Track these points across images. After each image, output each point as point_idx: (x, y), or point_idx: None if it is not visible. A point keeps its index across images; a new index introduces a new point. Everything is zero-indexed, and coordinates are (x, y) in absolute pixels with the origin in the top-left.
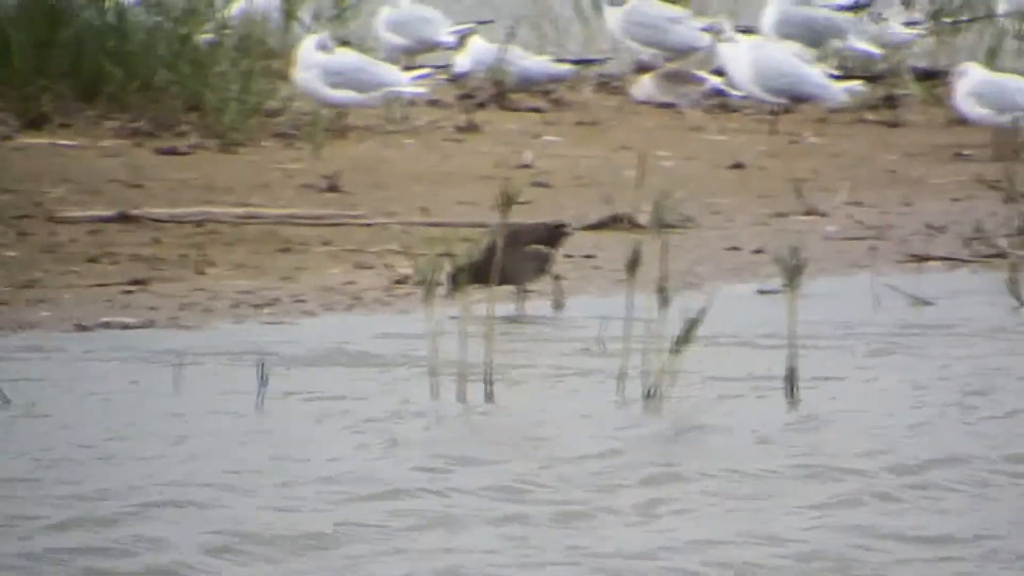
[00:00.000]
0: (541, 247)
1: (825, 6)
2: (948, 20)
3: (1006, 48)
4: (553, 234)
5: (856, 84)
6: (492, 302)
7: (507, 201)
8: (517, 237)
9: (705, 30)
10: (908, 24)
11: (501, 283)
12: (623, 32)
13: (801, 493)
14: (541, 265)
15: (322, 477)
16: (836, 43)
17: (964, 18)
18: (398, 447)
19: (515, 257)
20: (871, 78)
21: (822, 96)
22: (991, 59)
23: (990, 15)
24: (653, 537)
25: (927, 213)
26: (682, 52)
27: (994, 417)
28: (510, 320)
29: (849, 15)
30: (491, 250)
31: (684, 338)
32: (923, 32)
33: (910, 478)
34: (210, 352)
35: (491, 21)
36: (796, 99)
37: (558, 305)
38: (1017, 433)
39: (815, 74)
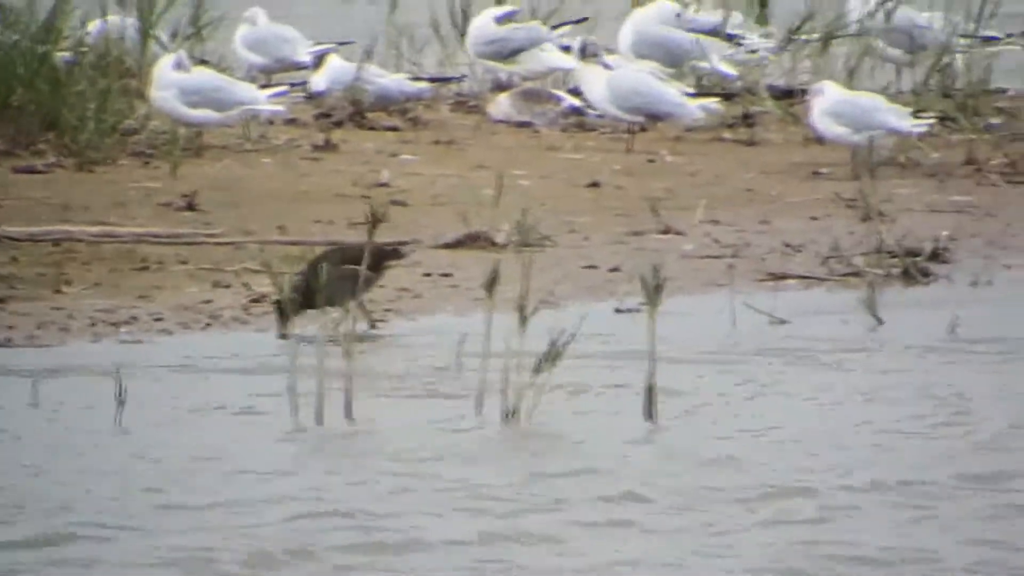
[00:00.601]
0: (358, 268)
1: (691, 29)
2: (804, 38)
3: (863, 67)
4: (383, 255)
5: (712, 102)
6: (338, 322)
7: (374, 220)
8: (339, 257)
9: (565, 48)
10: (763, 39)
11: (324, 304)
12: (476, 52)
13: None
14: (353, 288)
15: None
16: (692, 63)
17: (818, 36)
18: (252, 465)
19: (336, 277)
20: (727, 96)
21: (678, 114)
22: (848, 78)
23: (846, 34)
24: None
25: (784, 232)
26: (540, 72)
27: (841, 434)
28: (365, 339)
29: (704, 36)
30: (312, 271)
31: (547, 357)
32: (778, 50)
33: (755, 492)
34: (67, 370)
35: (351, 42)
36: (652, 117)
37: (373, 326)
38: (864, 455)
39: (671, 92)
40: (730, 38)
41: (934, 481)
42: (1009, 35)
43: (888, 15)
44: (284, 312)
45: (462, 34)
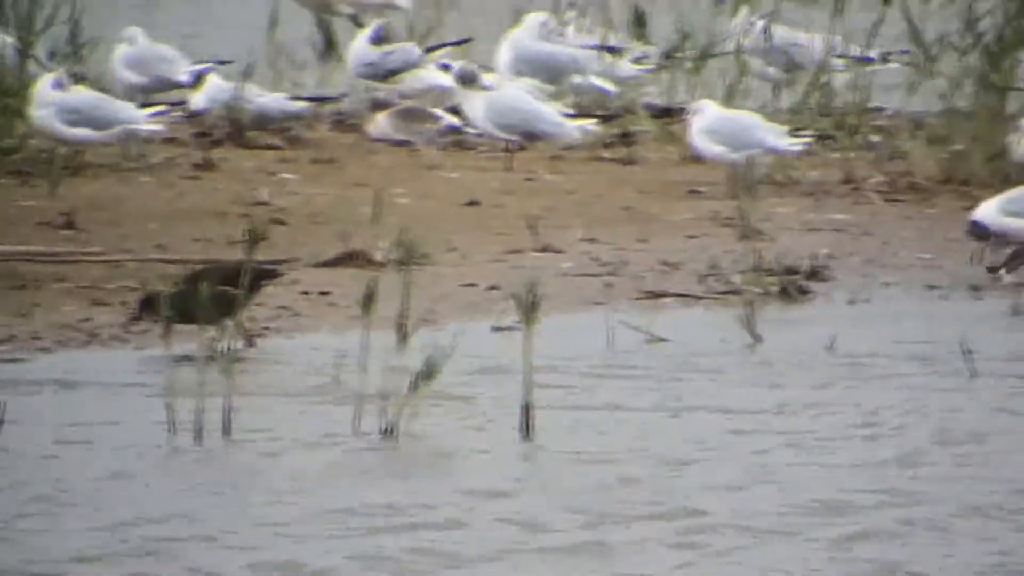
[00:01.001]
0: (228, 288)
1: (578, 45)
2: (682, 56)
3: (741, 85)
4: (258, 274)
5: (590, 122)
6: (215, 341)
7: (254, 238)
8: (209, 276)
9: (445, 67)
10: (640, 60)
11: (190, 322)
12: (354, 73)
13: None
14: (227, 307)
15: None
16: (572, 80)
17: (696, 55)
18: (120, 486)
19: (209, 296)
20: (606, 116)
21: (556, 134)
22: (727, 97)
23: (724, 53)
24: None
25: (662, 250)
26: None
27: (711, 453)
28: (244, 358)
29: (582, 51)
30: (186, 289)
31: (423, 375)
32: (657, 68)
33: (633, 512)
34: None
35: (231, 61)
36: (530, 137)
37: (250, 344)
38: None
39: (549, 112)
40: (611, 50)
41: (792, 505)
42: (885, 56)
43: (766, 34)
44: (153, 313)
45: (321, 57)
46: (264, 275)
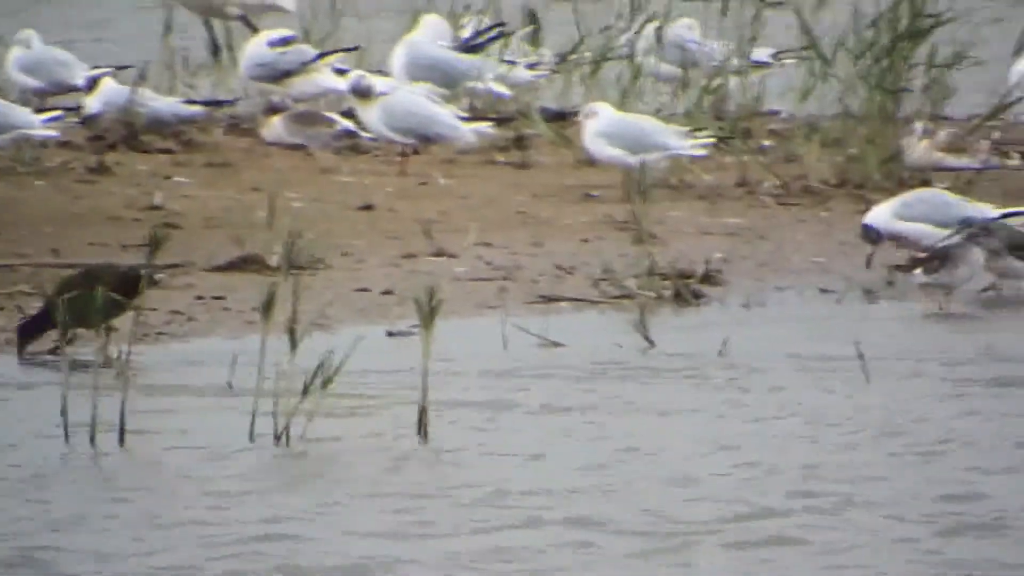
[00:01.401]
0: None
1: (456, 46)
2: (576, 59)
3: (637, 89)
4: (130, 279)
5: (485, 125)
6: (104, 346)
7: (155, 244)
8: (88, 281)
9: (339, 72)
10: (535, 65)
11: (73, 327)
12: (248, 75)
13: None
14: (110, 310)
15: None
16: (466, 85)
17: (590, 58)
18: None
19: (84, 300)
20: (501, 120)
21: (451, 137)
22: (622, 100)
23: (618, 56)
24: None
25: (556, 254)
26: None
27: (603, 456)
28: (137, 364)
29: (478, 57)
30: (60, 292)
31: (318, 380)
32: (551, 72)
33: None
34: None
35: (130, 66)
36: (425, 140)
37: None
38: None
39: (444, 115)
40: (503, 58)
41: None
42: (776, 55)
43: (659, 35)
44: (26, 335)
45: (212, 60)
46: (133, 281)
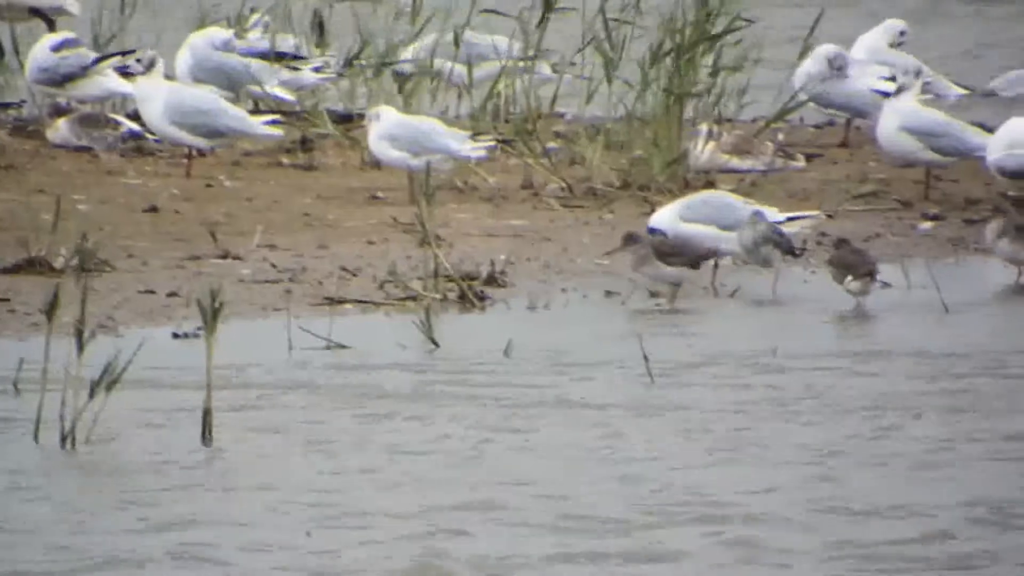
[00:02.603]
0: None
1: (244, 51)
2: (362, 63)
3: (422, 91)
4: None
5: (272, 119)
6: None
7: None
8: None
9: (124, 73)
10: (321, 68)
11: None
12: (32, 79)
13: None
14: None
15: None
16: (252, 88)
17: (375, 61)
18: None
19: None
20: (288, 114)
21: (241, 131)
22: (407, 102)
23: (403, 60)
24: None
25: (342, 256)
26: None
27: (377, 458)
28: None
29: (264, 62)
30: None
31: (102, 382)
32: (338, 76)
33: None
34: None
35: None
36: (214, 134)
37: None
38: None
39: (233, 109)
40: (291, 57)
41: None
42: (555, 66)
43: (457, 39)
44: None
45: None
46: None
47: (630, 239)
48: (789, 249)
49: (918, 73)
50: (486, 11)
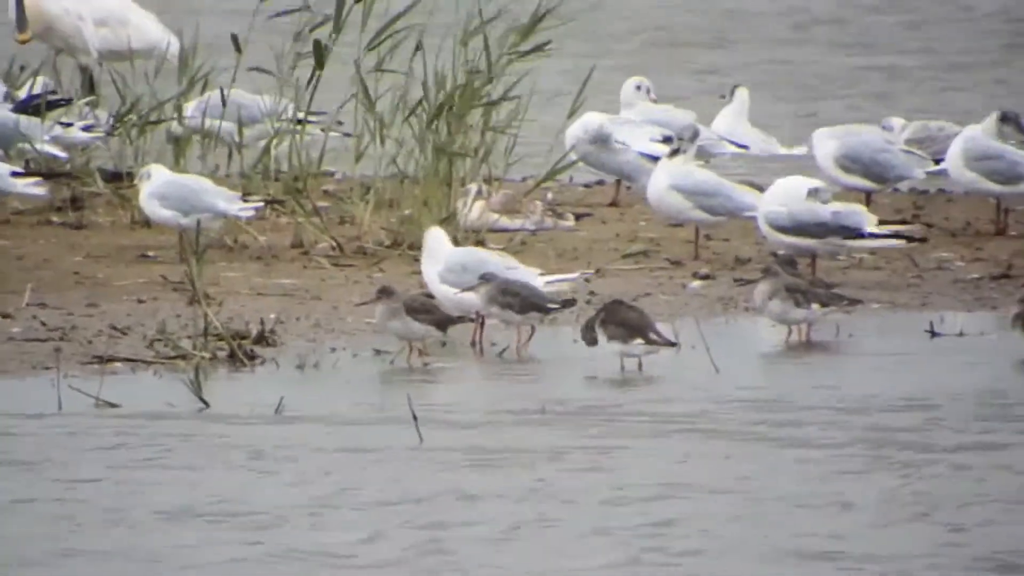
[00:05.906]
0: None
1: (13, 107)
2: (129, 122)
3: (193, 150)
4: None
5: (35, 181)
6: None
7: None
8: None
9: None
10: (91, 128)
11: None
12: None
13: None
14: None
15: None
16: (20, 145)
17: (142, 120)
18: None
19: None
20: (56, 175)
21: (4, 190)
22: (177, 161)
23: (168, 118)
24: None
25: (112, 314)
26: None
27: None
28: None
29: (34, 119)
30: None
31: None
32: (108, 134)
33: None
34: None
35: None
36: None
37: None
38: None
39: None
40: (64, 103)
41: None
42: (322, 125)
43: (223, 98)
44: None
45: None
46: None
47: (383, 292)
48: (532, 307)
49: (695, 135)
50: (253, 69)
